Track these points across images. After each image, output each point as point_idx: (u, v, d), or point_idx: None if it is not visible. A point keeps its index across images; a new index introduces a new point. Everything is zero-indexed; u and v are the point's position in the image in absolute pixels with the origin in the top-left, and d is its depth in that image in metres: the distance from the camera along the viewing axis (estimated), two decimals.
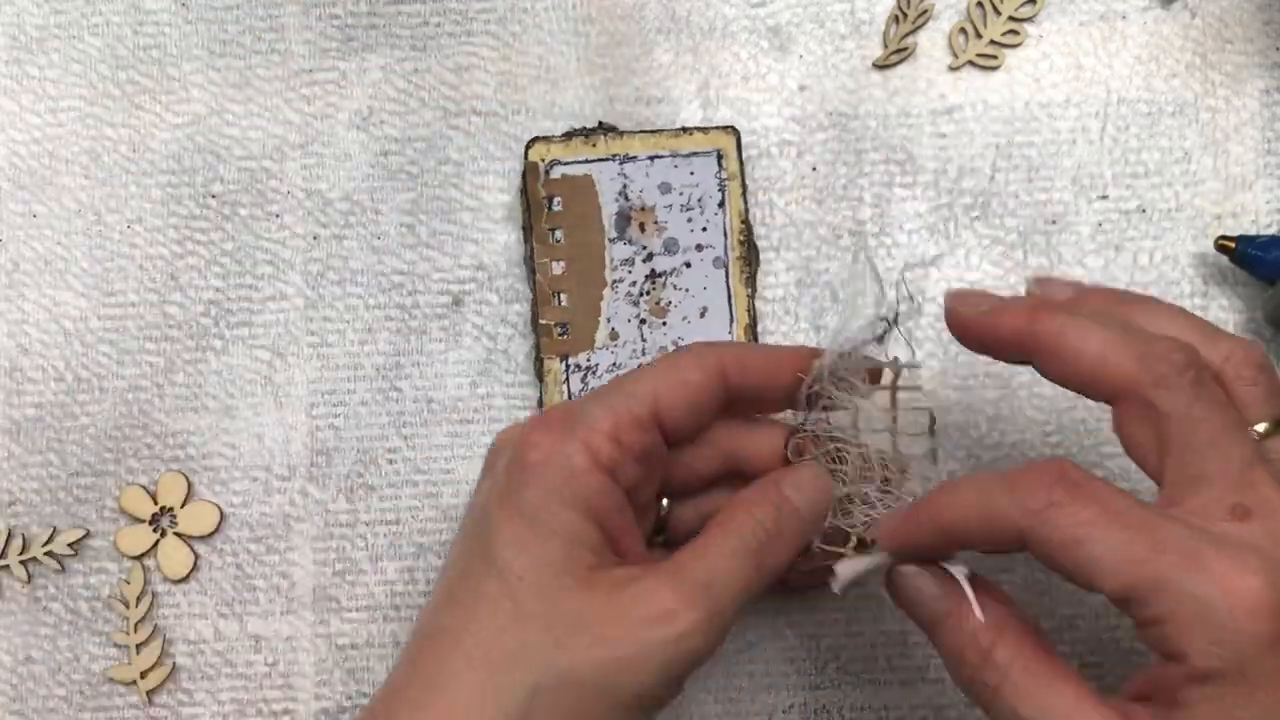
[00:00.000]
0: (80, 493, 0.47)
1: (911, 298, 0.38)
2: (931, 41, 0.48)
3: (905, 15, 0.47)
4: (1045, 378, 0.35)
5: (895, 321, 0.38)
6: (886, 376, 0.39)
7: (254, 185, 0.48)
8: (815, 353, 0.38)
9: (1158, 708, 0.31)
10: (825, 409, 0.39)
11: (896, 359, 0.38)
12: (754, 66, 0.48)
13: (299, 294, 0.47)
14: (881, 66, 0.47)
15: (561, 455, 0.35)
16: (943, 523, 0.34)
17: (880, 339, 0.38)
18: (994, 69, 0.47)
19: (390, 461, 0.47)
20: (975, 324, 0.36)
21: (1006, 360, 0.37)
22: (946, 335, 0.44)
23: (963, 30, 0.47)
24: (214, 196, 0.48)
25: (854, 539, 0.38)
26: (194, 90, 0.48)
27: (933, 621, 0.35)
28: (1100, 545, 0.31)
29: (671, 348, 0.46)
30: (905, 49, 0.47)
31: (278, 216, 0.47)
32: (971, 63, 0.47)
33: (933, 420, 0.40)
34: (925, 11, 0.47)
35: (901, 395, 0.40)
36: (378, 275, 0.47)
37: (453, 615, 0.35)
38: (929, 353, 0.46)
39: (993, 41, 0.47)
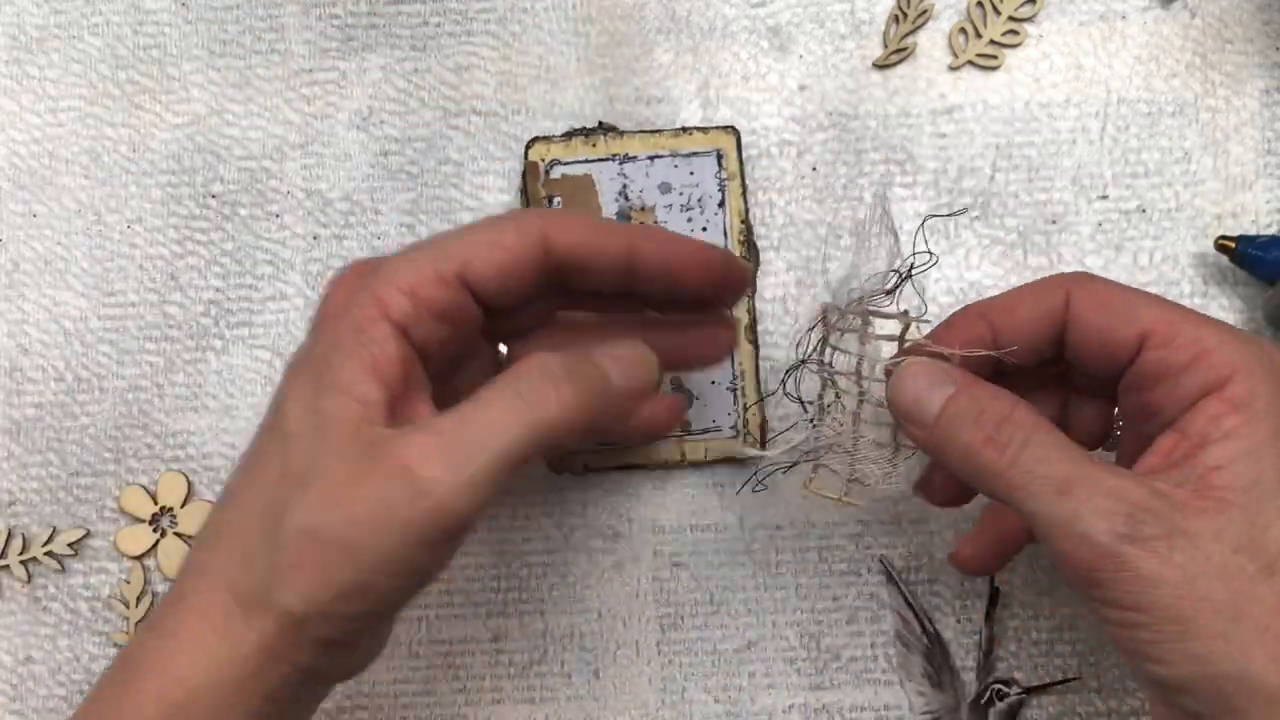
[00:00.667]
0: (80, 493, 0.47)
1: (929, 251, 0.37)
2: (931, 41, 0.48)
3: (905, 15, 0.47)
4: None
5: (909, 274, 0.37)
6: (894, 326, 0.38)
7: (254, 185, 0.48)
8: (635, 232, 0.37)
9: (1183, 463, 0.33)
10: (830, 349, 0.38)
11: (906, 312, 0.37)
12: (754, 66, 0.48)
13: (299, 294, 0.47)
14: (881, 66, 0.47)
15: (353, 307, 0.34)
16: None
17: (891, 291, 0.37)
18: (994, 69, 0.47)
19: None
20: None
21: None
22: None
23: (963, 30, 0.47)
24: (214, 196, 0.48)
25: (844, 488, 0.38)
26: (194, 90, 0.48)
27: (940, 412, 0.35)
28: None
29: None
30: (905, 49, 0.47)
31: (278, 216, 0.47)
32: (971, 63, 0.47)
33: None
34: (925, 11, 0.47)
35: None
36: None
37: (237, 476, 0.35)
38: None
39: (993, 41, 0.47)
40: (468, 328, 0.36)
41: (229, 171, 0.48)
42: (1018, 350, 0.36)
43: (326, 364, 0.34)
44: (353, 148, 0.48)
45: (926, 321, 0.38)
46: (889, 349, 0.38)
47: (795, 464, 0.39)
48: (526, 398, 0.33)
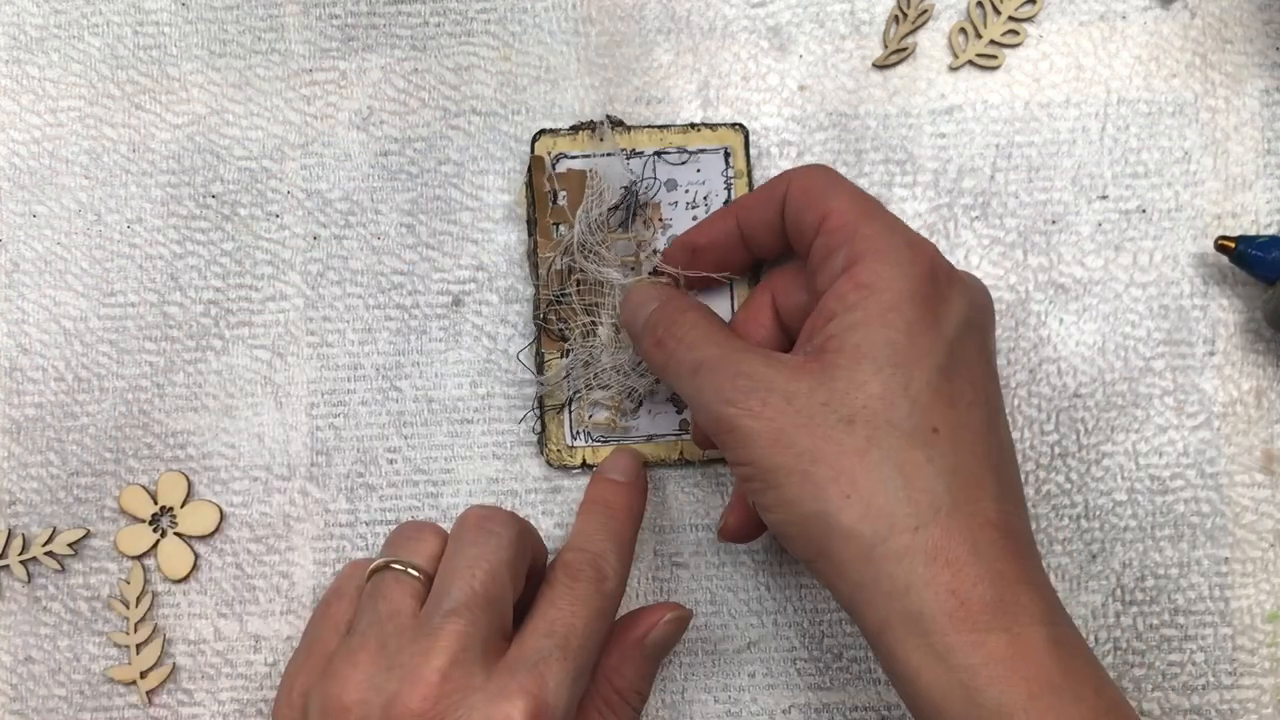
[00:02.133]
0: (80, 493, 0.47)
1: (658, 178, 0.44)
2: (931, 41, 0.48)
3: (905, 15, 0.47)
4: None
5: (635, 196, 0.43)
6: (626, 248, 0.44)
7: (254, 185, 0.48)
8: None
9: (811, 336, 0.37)
10: (578, 282, 0.43)
11: (650, 241, 0.44)
12: (754, 66, 0.48)
13: (299, 294, 0.47)
14: (881, 66, 0.47)
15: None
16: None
17: (626, 213, 0.44)
18: (994, 69, 0.47)
19: (390, 461, 0.47)
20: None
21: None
22: None
23: (963, 30, 0.47)
24: (214, 196, 0.48)
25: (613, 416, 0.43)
26: (194, 90, 0.48)
27: (643, 324, 0.41)
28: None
29: None
30: (905, 49, 0.47)
31: (278, 216, 0.47)
32: (971, 63, 0.47)
33: None
34: (925, 11, 0.47)
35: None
36: (377, 275, 0.47)
37: None
38: None
39: (993, 41, 0.47)
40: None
41: (229, 171, 0.48)
42: (726, 270, 0.43)
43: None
44: (353, 148, 0.48)
45: (656, 250, 0.44)
46: (635, 274, 0.44)
47: (570, 399, 0.45)
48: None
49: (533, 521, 0.46)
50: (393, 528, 0.46)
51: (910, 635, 0.34)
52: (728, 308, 0.45)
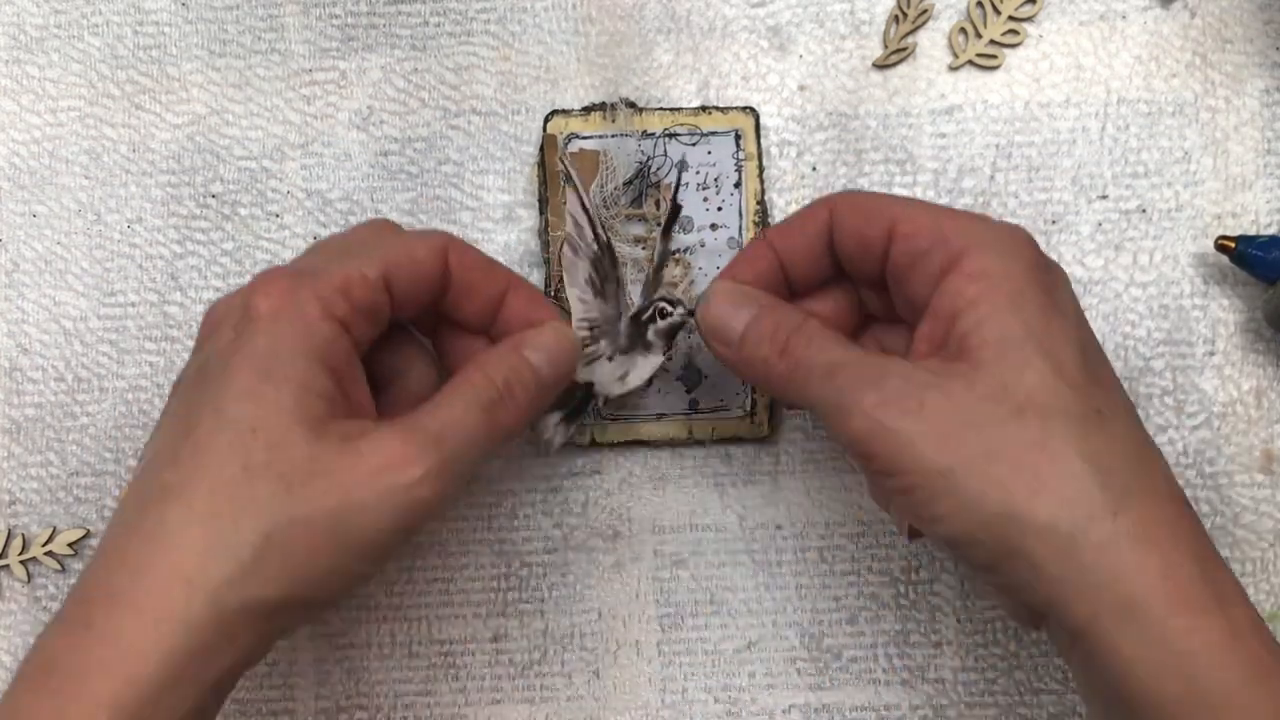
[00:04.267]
0: (80, 493, 0.47)
1: (669, 156, 0.45)
2: (931, 41, 0.48)
3: (905, 15, 0.47)
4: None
5: (647, 174, 0.44)
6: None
7: (254, 185, 0.48)
8: (512, 279, 0.41)
9: (943, 341, 0.36)
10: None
11: (662, 210, 0.45)
12: (754, 66, 0.48)
13: None
14: (881, 66, 0.47)
15: (293, 305, 0.35)
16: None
17: (639, 191, 0.44)
18: (994, 69, 0.47)
19: None
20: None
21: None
22: None
23: (963, 30, 0.47)
24: (214, 196, 0.48)
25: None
26: (194, 90, 0.48)
27: (744, 331, 0.38)
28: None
29: None
30: (905, 49, 0.47)
31: (278, 216, 0.47)
32: (971, 63, 0.47)
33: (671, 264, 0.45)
34: (925, 11, 0.47)
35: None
36: None
37: (177, 472, 0.34)
38: None
39: (993, 41, 0.47)
40: (379, 331, 0.38)
41: (229, 171, 0.48)
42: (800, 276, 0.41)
43: (276, 360, 0.34)
44: (353, 148, 0.48)
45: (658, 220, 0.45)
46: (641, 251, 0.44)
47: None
48: (483, 399, 0.37)
49: (533, 521, 0.47)
50: None
51: (1125, 623, 0.32)
52: None
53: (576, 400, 0.43)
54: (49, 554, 0.46)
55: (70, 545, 0.46)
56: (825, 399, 0.36)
